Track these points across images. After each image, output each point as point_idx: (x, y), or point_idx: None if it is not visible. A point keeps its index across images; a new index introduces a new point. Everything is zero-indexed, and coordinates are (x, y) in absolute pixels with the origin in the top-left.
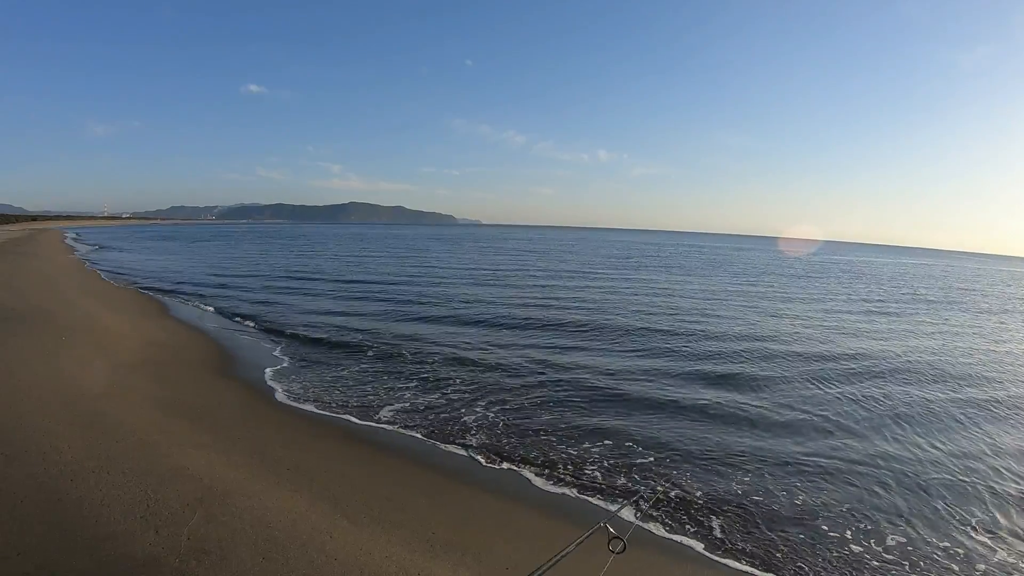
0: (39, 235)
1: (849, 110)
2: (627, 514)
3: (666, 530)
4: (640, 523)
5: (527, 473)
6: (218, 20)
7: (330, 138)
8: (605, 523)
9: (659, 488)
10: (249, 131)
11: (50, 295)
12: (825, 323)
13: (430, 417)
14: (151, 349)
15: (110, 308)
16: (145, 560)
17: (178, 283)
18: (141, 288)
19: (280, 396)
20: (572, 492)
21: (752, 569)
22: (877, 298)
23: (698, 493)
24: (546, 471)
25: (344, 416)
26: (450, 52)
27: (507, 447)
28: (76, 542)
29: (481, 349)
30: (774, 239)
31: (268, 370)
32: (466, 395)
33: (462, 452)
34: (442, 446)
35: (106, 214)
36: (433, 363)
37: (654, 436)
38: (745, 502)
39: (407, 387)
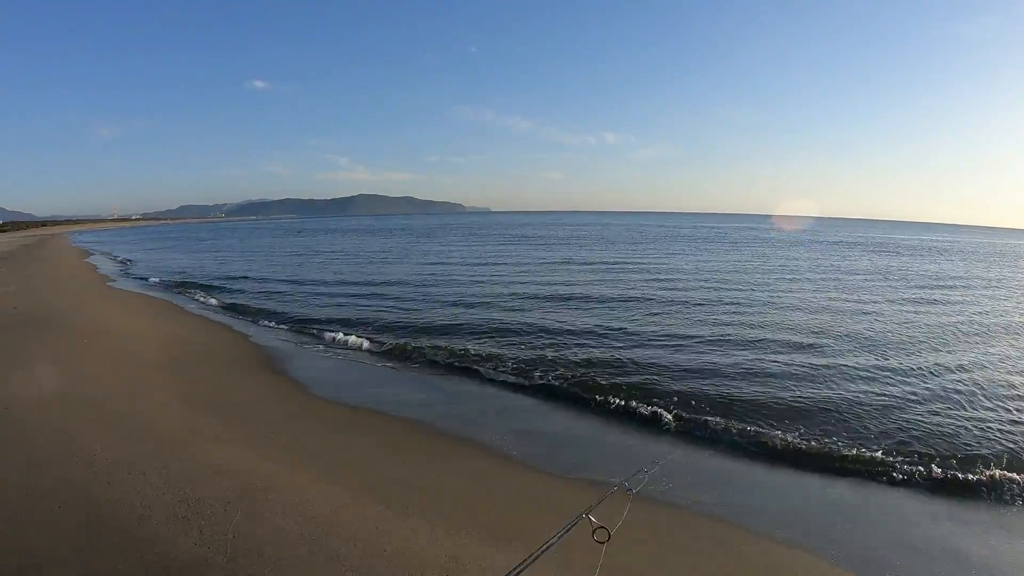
0: (50, 240)
1: (851, 82)
2: (615, 500)
3: (654, 511)
4: (628, 507)
5: (566, 453)
6: (218, 17)
7: (336, 131)
8: (588, 514)
9: (644, 472)
10: (255, 127)
11: (67, 299)
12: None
13: (466, 405)
14: (173, 348)
15: (127, 309)
16: (193, 561)
17: (192, 282)
18: (155, 288)
19: (309, 390)
20: (598, 471)
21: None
22: None
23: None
24: (583, 451)
25: (375, 407)
26: (453, 39)
27: (545, 430)
28: (118, 547)
29: (520, 339)
30: (791, 217)
31: (293, 364)
32: (501, 382)
33: (499, 437)
34: (478, 432)
35: (116, 216)
36: (467, 355)
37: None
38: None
39: (440, 376)
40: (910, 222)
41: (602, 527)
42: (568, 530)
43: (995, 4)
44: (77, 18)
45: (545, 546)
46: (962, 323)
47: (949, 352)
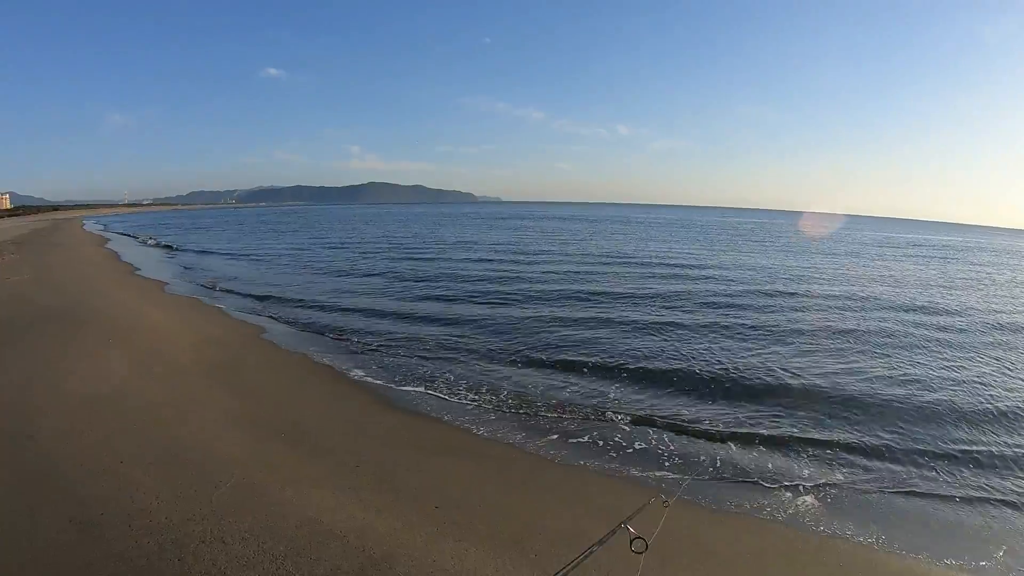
0: (64, 225)
1: (869, 83)
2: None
3: (691, 523)
4: (663, 519)
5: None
6: (233, 5)
7: (349, 119)
8: (626, 524)
9: (684, 481)
10: (268, 115)
11: (86, 289)
12: None
13: (571, 423)
14: (209, 349)
15: (152, 302)
16: None
17: (216, 273)
18: (179, 278)
19: (379, 401)
20: None
21: None
22: None
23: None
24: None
25: (461, 423)
26: (468, 30)
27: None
28: None
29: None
30: (821, 214)
31: (348, 368)
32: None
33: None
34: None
35: (127, 201)
36: (549, 369)
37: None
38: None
39: (524, 376)
40: (932, 221)
41: (640, 537)
42: (608, 539)
43: (1014, 4)
44: (92, 5)
45: (585, 553)
46: None
47: None
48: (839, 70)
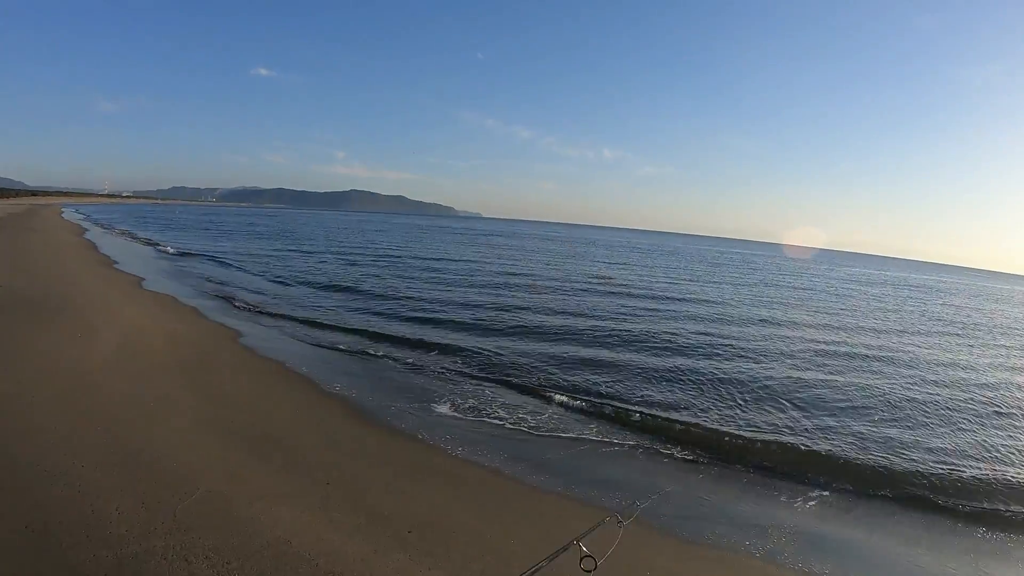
0: (41, 211)
1: (856, 120)
2: (606, 530)
3: (644, 546)
4: (617, 540)
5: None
6: (230, 4)
7: (336, 124)
8: (578, 541)
9: (641, 504)
10: (254, 114)
11: (60, 279)
12: None
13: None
14: (183, 351)
15: (128, 298)
16: None
17: (195, 272)
18: (157, 275)
19: (354, 415)
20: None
21: None
22: None
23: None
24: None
25: (437, 442)
26: (461, 44)
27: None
28: None
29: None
30: (800, 247)
31: (325, 379)
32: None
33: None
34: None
35: (107, 191)
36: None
37: None
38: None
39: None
40: (916, 261)
41: (589, 556)
42: (557, 555)
43: (1001, 51)
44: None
45: (534, 568)
46: None
47: None
48: (825, 110)
